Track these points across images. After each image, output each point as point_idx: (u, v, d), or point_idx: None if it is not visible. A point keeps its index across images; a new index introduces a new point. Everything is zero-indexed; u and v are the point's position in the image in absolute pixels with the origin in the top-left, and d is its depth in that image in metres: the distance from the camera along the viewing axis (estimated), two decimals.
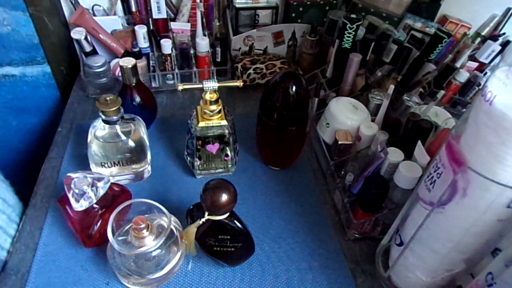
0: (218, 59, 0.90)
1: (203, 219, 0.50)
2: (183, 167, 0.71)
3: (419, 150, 0.56)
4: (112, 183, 0.58)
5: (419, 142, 0.56)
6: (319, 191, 0.70)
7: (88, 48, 0.83)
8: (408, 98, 0.67)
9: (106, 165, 0.63)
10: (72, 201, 0.53)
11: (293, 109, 0.62)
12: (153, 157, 0.69)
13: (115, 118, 0.60)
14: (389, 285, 0.54)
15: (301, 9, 0.91)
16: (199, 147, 0.64)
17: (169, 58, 0.85)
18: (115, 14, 0.90)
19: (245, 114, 0.83)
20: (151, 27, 0.89)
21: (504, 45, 0.78)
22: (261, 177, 0.71)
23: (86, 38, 0.82)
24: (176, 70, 0.87)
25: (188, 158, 0.68)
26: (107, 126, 0.61)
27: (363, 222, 0.59)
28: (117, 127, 0.61)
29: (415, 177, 0.53)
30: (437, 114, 0.67)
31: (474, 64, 0.78)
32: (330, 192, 0.69)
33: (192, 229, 0.51)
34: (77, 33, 0.80)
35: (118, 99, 0.60)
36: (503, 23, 0.81)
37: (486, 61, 0.79)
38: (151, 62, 0.88)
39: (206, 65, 0.88)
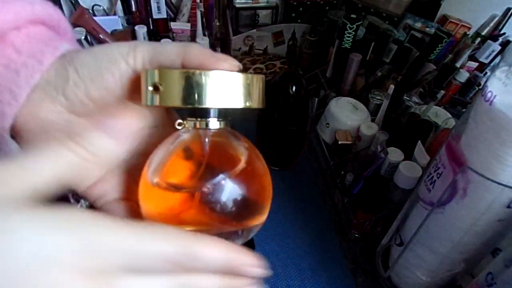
0: None
1: None
2: None
3: (419, 150, 0.56)
4: None
5: (419, 142, 0.56)
6: (319, 191, 0.70)
7: None
8: (408, 98, 0.67)
9: None
10: (72, 201, 0.53)
11: (293, 109, 0.62)
12: None
13: None
14: (389, 285, 0.54)
15: (301, 9, 0.91)
16: None
17: None
18: (115, 14, 0.90)
19: (245, 115, 0.83)
20: (151, 27, 0.89)
21: (504, 45, 0.78)
22: None
23: (86, 38, 0.82)
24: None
25: None
26: None
27: (363, 222, 0.59)
28: None
29: (415, 177, 0.53)
30: (437, 114, 0.67)
31: (474, 64, 0.78)
32: (330, 192, 0.69)
33: None
34: (77, 33, 0.80)
35: None
36: (503, 23, 0.81)
37: (486, 61, 0.79)
38: None
39: None
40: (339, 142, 0.66)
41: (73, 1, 0.85)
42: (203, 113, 0.23)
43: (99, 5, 0.90)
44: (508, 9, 0.80)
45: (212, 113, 0.23)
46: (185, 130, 0.24)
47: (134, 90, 0.23)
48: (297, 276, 0.57)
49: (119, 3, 0.89)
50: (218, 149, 0.24)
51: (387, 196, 0.57)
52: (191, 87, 0.21)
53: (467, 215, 0.40)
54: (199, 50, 0.23)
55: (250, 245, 0.55)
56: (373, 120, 0.68)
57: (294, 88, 0.60)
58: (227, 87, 0.22)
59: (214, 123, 0.23)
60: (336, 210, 0.66)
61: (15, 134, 0.23)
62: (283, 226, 0.63)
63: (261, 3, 0.91)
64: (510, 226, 0.40)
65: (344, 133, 0.67)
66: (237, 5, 0.90)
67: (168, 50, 0.23)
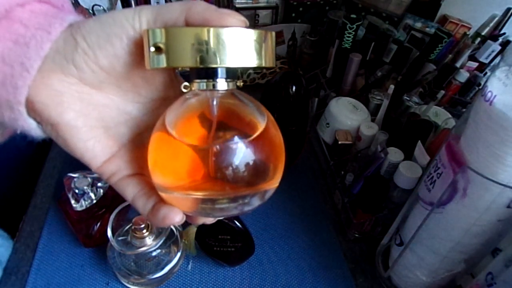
0: None
1: None
2: None
3: (419, 150, 0.56)
4: None
5: (419, 142, 0.56)
6: (319, 191, 0.70)
7: None
8: (408, 98, 0.67)
9: None
10: (72, 201, 0.53)
11: (293, 109, 0.62)
12: None
13: None
14: (389, 285, 0.54)
15: (301, 9, 0.91)
16: None
17: None
18: None
19: None
20: None
21: (504, 45, 0.78)
22: None
23: None
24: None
25: None
26: None
27: (363, 222, 0.59)
28: None
29: (415, 177, 0.53)
30: (437, 114, 0.67)
31: (474, 64, 0.78)
32: (330, 192, 0.69)
33: (192, 229, 0.51)
34: None
35: None
36: (503, 23, 0.81)
37: (486, 61, 0.79)
38: None
39: None
40: (339, 142, 0.66)
41: (73, 1, 0.85)
42: (210, 74, 0.22)
43: (99, 5, 0.90)
44: (508, 9, 0.80)
45: (220, 73, 0.22)
46: (191, 92, 0.23)
47: (142, 57, 0.22)
48: (297, 276, 0.57)
49: (119, 3, 0.89)
50: (229, 111, 0.23)
51: (387, 196, 0.57)
52: (198, 45, 0.20)
53: (467, 215, 0.40)
54: (203, 6, 0.21)
55: (250, 245, 0.55)
56: (373, 120, 0.68)
57: (294, 88, 0.60)
58: (238, 44, 0.20)
59: (222, 84, 0.22)
60: (336, 210, 0.66)
61: (28, 107, 0.23)
62: (283, 226, 0.63)
63: (261, 3, 0.91)
64: (510, 226, 0.40)
65: (344, 133, 0.67)
66: (237, 5, 0.90)
67: (172, 8, 0.22)
